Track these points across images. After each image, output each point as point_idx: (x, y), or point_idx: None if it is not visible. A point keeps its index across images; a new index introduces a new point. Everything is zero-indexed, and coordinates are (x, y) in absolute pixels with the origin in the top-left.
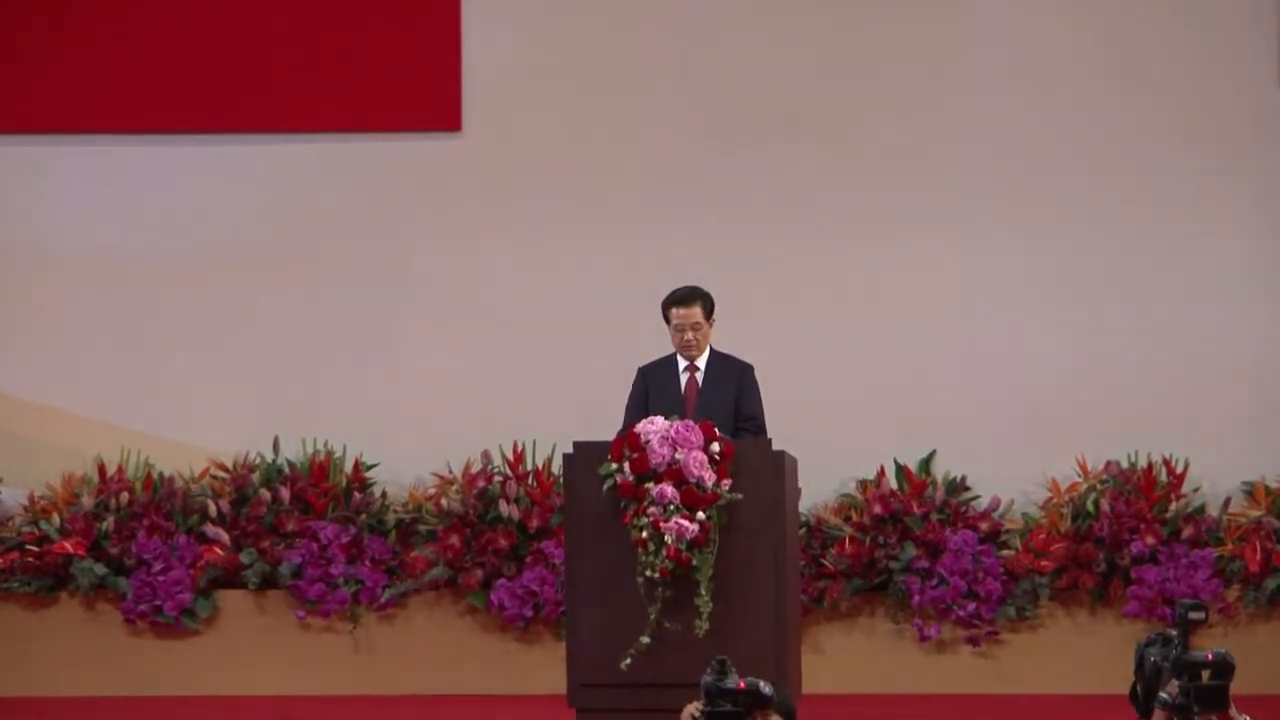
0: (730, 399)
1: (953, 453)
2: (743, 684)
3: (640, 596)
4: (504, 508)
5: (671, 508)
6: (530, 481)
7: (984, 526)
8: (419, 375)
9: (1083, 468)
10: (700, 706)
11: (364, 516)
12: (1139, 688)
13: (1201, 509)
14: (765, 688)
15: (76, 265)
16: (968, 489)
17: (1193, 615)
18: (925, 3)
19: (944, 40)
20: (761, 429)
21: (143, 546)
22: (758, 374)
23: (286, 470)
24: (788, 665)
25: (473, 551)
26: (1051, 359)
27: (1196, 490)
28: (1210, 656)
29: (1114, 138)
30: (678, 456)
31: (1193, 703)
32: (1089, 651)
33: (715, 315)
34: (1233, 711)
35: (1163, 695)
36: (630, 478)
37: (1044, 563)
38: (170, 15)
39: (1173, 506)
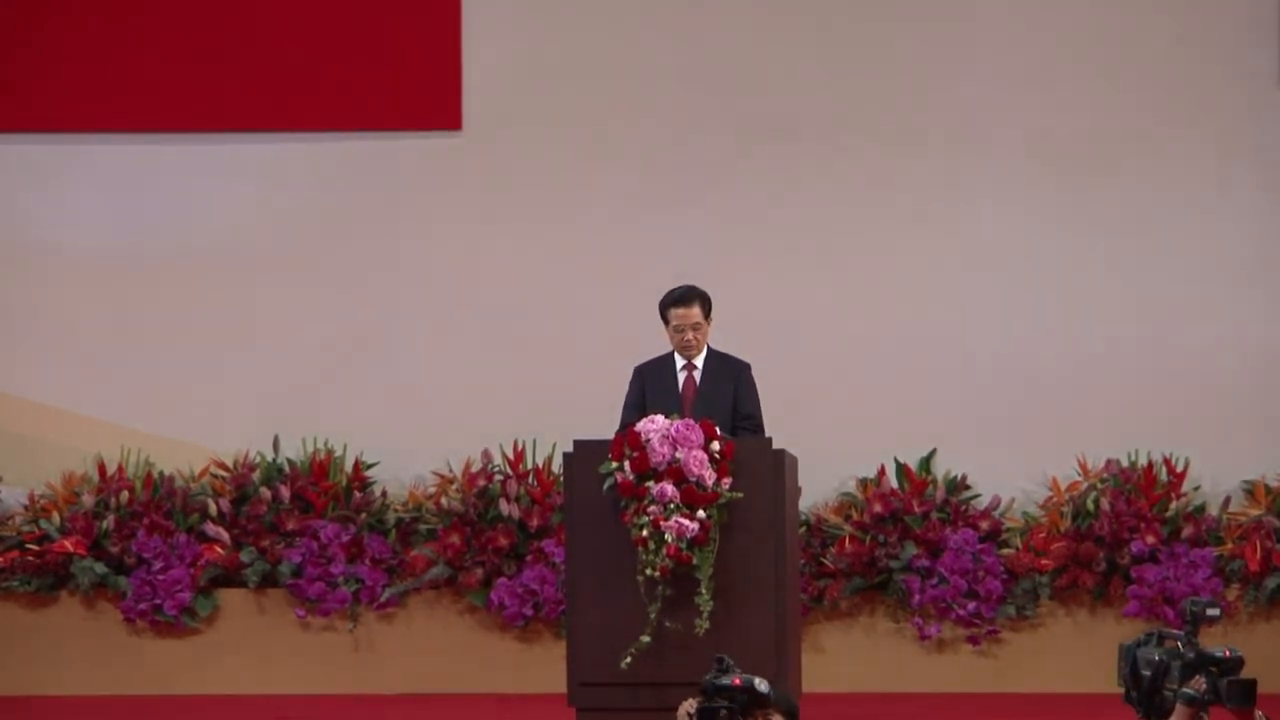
0: (728, 398)
1: (953, 451)
2: (738, 680)
3: (640, 595)
4: (504, 506)
5: (672, 506)
6: (530, 480)
7: (984, 525)
8: (419, 374)
9: (1083, 467)
10: (696, 703)
11: (364, 515)
12: (1138, 687)
13: (1202, 508)
14: (761, 685)
15: (77, 265)
16: (968, 488)
17: (1210, 613)
18: (926, 3)
19: (943, 38)
20: (759, 428)
21: (143, 545)
22: (757, 373)
23: (286, 469)
24: (788, 664)
25: (473, 550)
26: (1052, 358)
27: (1197, 489)
28: (1228, 653)
29: (1114, 137)
30: (678, 455)
31: (1227, 699)
32: (1089, 650)
33: (714, 314)
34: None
35: (1187, 691)
36: (630, 476)
37: (1044, 562)
38: (170, 15)
39: (1173, 505)
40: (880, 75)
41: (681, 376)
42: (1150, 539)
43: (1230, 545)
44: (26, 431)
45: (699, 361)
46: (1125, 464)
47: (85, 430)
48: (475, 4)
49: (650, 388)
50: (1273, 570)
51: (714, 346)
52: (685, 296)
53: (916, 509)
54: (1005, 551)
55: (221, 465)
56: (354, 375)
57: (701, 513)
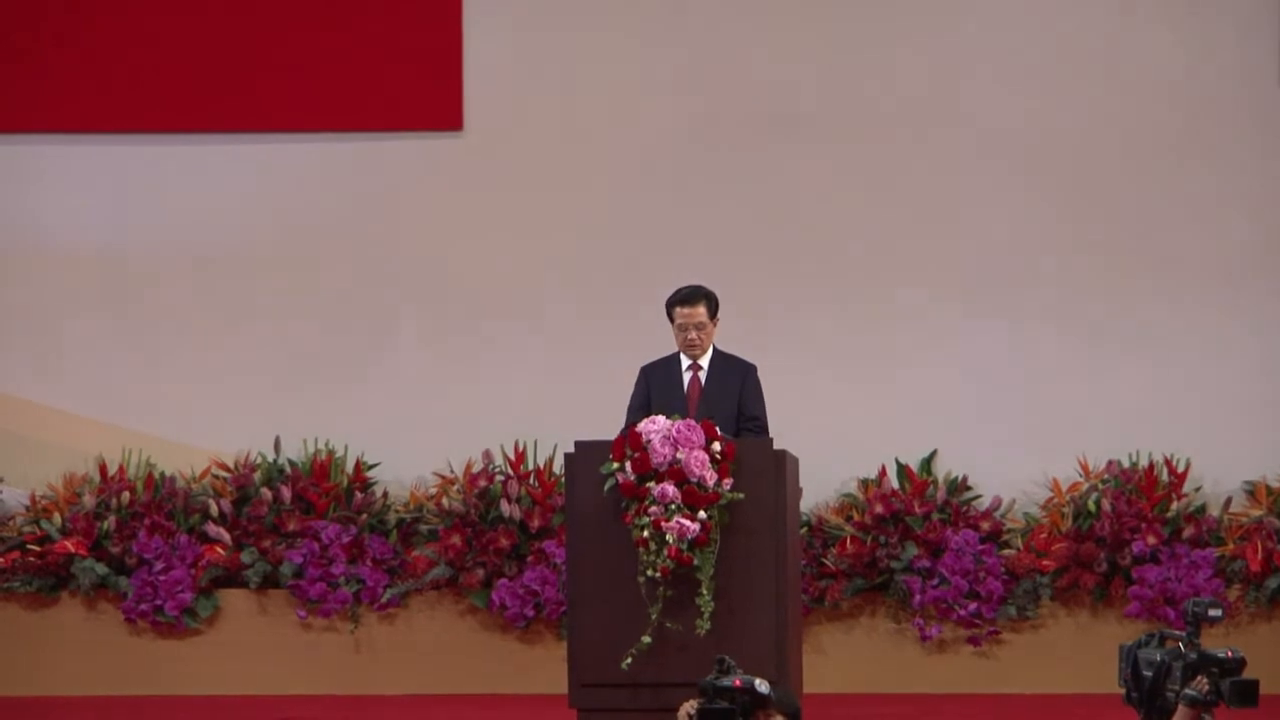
0: (733, 399)
1: (954, 452)
2: (738, 681)
3: (641, 596)
4: (505, 507)
5: (673, 507)
6: (531, 481)
7: (985, 526)
8: (420, 375)
9: (1084, 467)
10: (696, 704)
11: (365, 516)
12: (1139, 688)
13: (1203, 509)
14: (761, 686)
15: (76, 265)
16: (969, 488)
17: (1211, 613)
18: (926, 3)
19: (943, 40)
20: (764, 429)
21: (144, 546)
22: (759, 374)
23: (288, 470)
24: (789, 665)
25: (474, 551)
26: (1053, 358)
27: (1198, 490)
28: (1230, 654)
29: (1114, 137)
30: (679, 456)
31: (1230, 699)
32: (1090, 651)
33: (719, 315)
34: None
35: (1189, 692)
36: (632, 477)
37: (1045, 562)
38: (170, 15)
39: (1174, 506)
40: (883, 76)
41: (687, 377)
42: (1151, 540)
43: (1231, 546)
44: (27, 432)
45: (704, 362)
46: (1126, 464)
47: (86, 431)
48: (475, 4)
49: (656, 388)
50: (1274, 571)
51: (720, 347)
52: (690, 296)
53: (917, 510)
54: (1006, 552)
55: (222, 466)
56: (355, 376)
57: (703, 513)
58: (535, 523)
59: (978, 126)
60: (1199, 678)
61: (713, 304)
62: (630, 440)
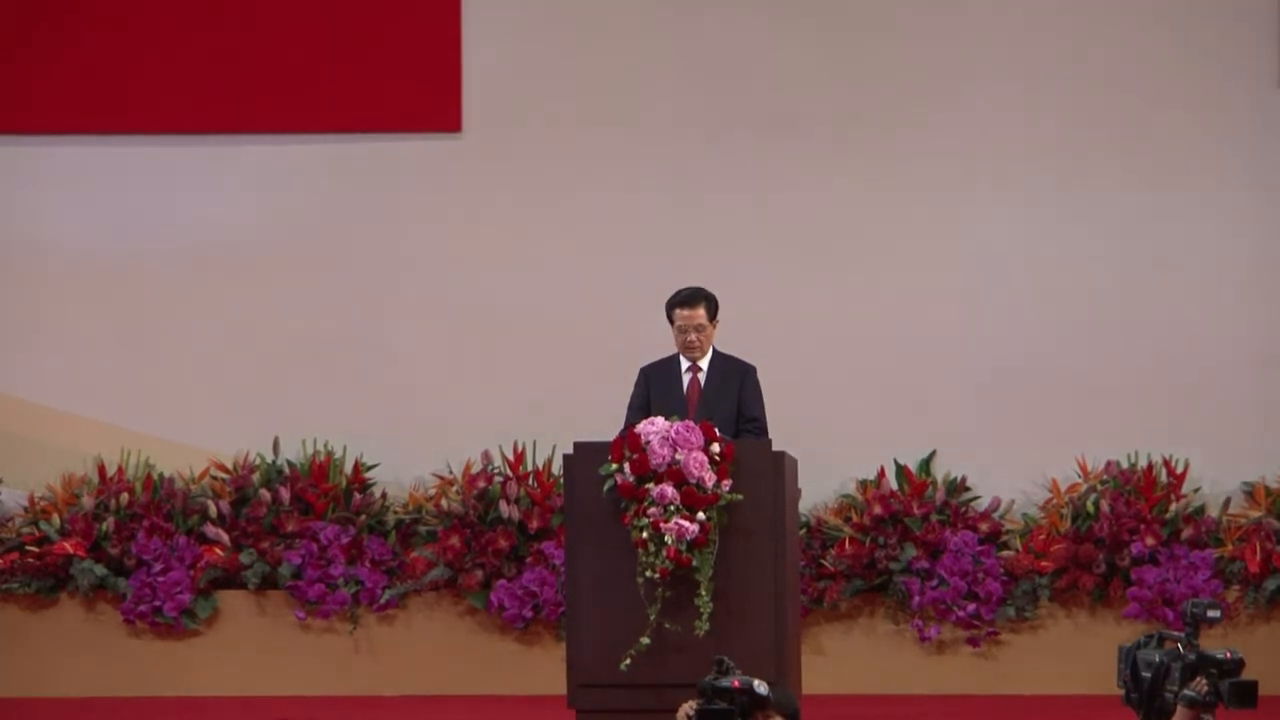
0: (733, 400)
1: (953, 453)
2: (737, 682)
3: (640, 597)
4: (504, 508)
5: (672, 508)
6: (530, 482)
7: (984, 527)
8: (419, 375)
9: (1083, 468)
10: (695, 705)
11: (364, 517)
12: (1139, 689)
13: (1201, 509)
14: (760, 687)
15: (75, 265)
16: (968, 489)
17: (1210, 614)
18: (926, 3)
19: (943, 39)
20: (763, 430)
21: (142, 547)
22: (759, 375)
23: (286, 471)
24: (787, 666)
25: (473, 552)
26: (1052, 359)
27: (1196, 491)
28: (1229, 655)
29: (1114, 138)
30: (678, 457)
31: (1229, 700)
32: (1089, 652)
33: (718, 316)
34: None
35: (1188, 693)
36: (630, 478)
37: (1044, 563)
38: (170, 15)
39: (1173, 507)
40: (880, 78)
41: (686, 378)
42: (1150, 540)
43: (1230, 547)
44: (26, 433)
45: (704, 364)
46: (1125, 465)
47: (85, 432)
48: (475, 5)
49: (655, 389)
50: (1273, 572)
51: (719, 348)
52: (690, 298)
53: (916, 511)
54: (1005, 553)
55: (221, 467)
56: (354, 376)
57: (701, 515)
58: (534, 524)
59: (977, 125)
60: (1198, 679)
61: (712, 306)
62: (629, 441)
